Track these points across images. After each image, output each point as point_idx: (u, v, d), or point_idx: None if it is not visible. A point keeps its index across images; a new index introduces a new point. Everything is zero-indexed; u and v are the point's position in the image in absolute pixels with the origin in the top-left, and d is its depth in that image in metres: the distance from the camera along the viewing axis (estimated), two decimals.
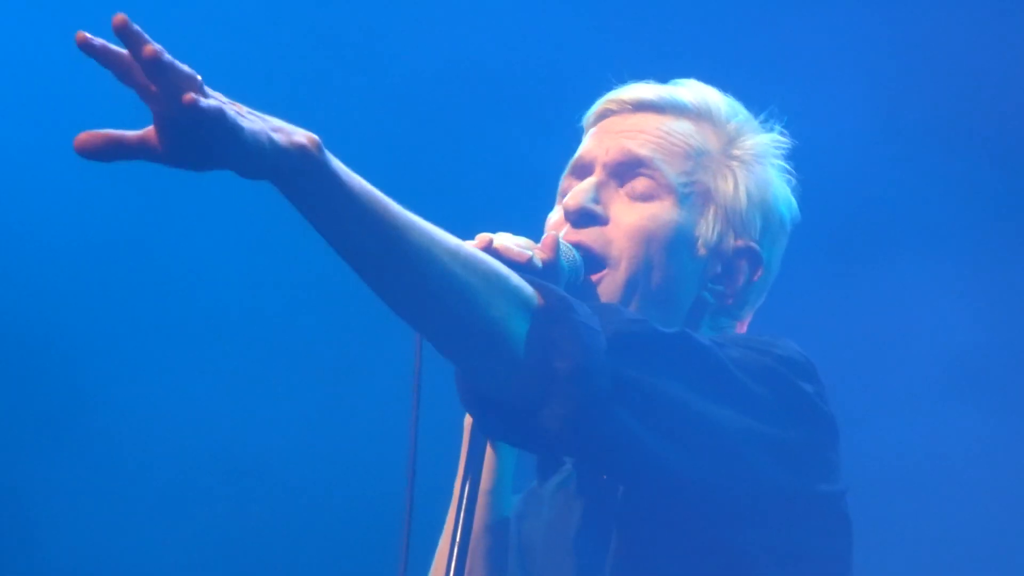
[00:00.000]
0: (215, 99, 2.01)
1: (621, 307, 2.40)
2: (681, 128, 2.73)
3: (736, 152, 2.75)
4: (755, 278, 2.74)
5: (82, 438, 4.79)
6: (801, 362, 2.51)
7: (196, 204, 4.75)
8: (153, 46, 1.97)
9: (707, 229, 2.69)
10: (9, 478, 4.78)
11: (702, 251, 2.69)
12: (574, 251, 2.61)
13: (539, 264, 2.51)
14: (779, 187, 2.78)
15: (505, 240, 2.48)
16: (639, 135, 2.72)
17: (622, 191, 2.69)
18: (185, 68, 2.00)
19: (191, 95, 1.96)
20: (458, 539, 2.37)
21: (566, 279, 2.56)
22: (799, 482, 2.47)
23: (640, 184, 2.69)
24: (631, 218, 2.66)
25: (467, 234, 2.38)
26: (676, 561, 2.46)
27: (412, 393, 2.38)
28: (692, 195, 2.69)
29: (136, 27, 1.97)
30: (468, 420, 2.54)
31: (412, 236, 2.15)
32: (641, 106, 2.76)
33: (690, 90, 2.79)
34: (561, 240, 2.59)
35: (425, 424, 2.39)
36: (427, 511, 2.48)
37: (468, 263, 2.21)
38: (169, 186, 4.50)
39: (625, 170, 2.70)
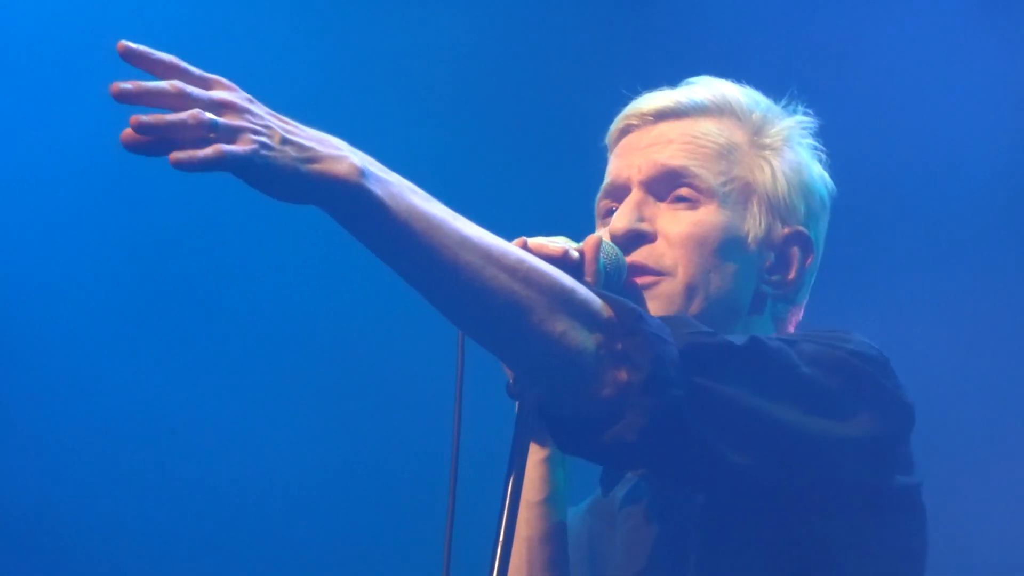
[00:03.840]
0: (221, 140, 1.99)
1: (690, 318, 2.38)
2: (706, 129, 2.70)
3: (765, 141, 2.72)
4: (808, 262, 2.72)
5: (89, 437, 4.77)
6: (874, 355, 2.48)
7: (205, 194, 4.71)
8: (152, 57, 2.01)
9: (754, 223, 2.67)
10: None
11: (753, 246, 2.67)
12: (617, 250, 2.58)
13: (575, 256, 2.48)
14: (814, 167, 2.77)
15: (540, 239, 2.46)
16: (668, 145, 2.69)
17: (664, 205, 2.67)
18: (200, 73, 2.03)
19: (176, 155, 1.97)
20: (501, 538, 2.30)
21: (604, 276, 2.53)
22: (877, 477, 2.45)
23: (681, 193, 2.66)
24: (679, 228, 2.63)
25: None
26: (758, 564, 2.44)
27: (455, 398, 2.36)
28: (733, 193, 2.67)
29: (138, 48, 2.00)
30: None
31: (467, 256, 2.13)
32: (662, 115, 2.72)
33: (706, 88, 2.76)
34: (604, 240, 2.56)
35: (468, 427, 2.37)
36: (469, 523, 2.44)
37: (530, 278, 2.18)
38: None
39: (662, 183, 2.67)
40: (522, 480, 2.34)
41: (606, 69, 4.55)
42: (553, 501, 2.66)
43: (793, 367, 2.37)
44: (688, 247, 2.62)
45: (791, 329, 2.74)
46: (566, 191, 2.79)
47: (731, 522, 2.44)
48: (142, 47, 2.01)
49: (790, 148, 2.73)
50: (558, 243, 2.47)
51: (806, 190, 2.73)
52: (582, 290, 2.24)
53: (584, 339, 2.21)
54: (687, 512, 2.53)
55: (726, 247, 2.64)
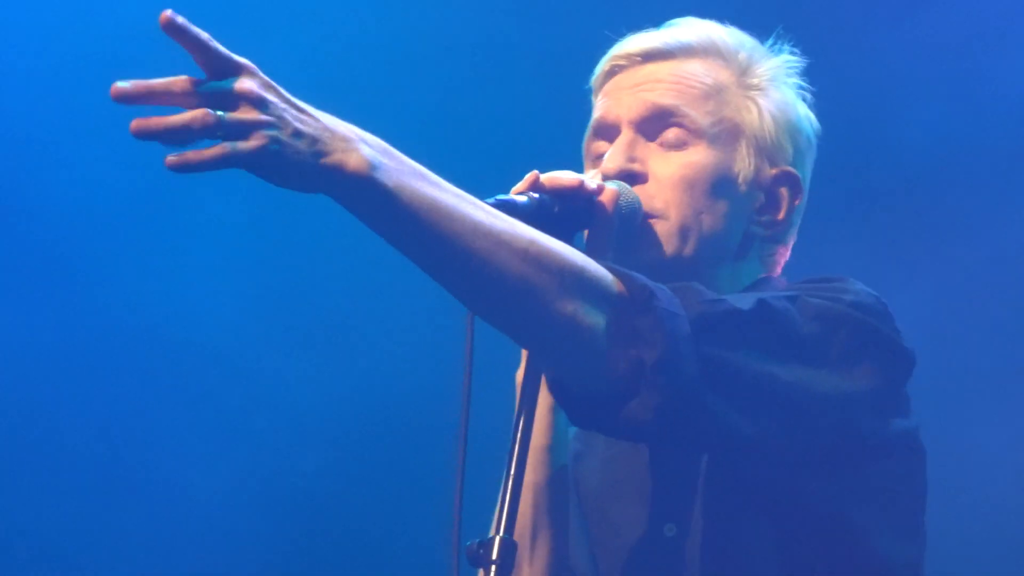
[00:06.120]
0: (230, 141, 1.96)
1: (700, 286, 2.37)
2: (693, 69, 2.71)
3: (752, 81, 2.74)
4: (796, 202, 2.74)
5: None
6: (872, 303, 2.51)
7: None
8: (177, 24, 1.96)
9: (743, 164, 2.68)
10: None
11: (743, 187, 2.68)
12: (633, 193, 2.60)
13: (592, 186, 2.51)
14: (800, 106, 2.78)
15: (553, 173, 2.48)
16: (656, 85, 2.70)
17: (654, 145, 2.68)
18: (225, 53, 1.99)
19: (171, 159, 1.94)
20: (512, 474, 2.32)
21: (619, 218, 2.55)
22: (880, 425, 2.48)
23: (671, 134, 2.67)
24: (670, 169, 2.65)
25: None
26: (765, 514, 2.48)
27: (464, 372, 2.36)
28: (721, 134, 2.68)
29: (181, 21, 1.96)
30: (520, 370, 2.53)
31: (478, 242, 2.13)
32: (650, 56, 2.73)
33: (692, 29, 2.77)
34: (622, 184, 2.59)
35: (476, 396, 2.36)
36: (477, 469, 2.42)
37: (540, 259, 2.17)
38: None
39: (652, 123, 2.69)
40: (532, 422, 2.36)
41: (591, 10, 4.53)
42: (558, 446, 2.67)
43: (797, 327, 2.39)
44: (679, 188, 2.63)
45: (779, 269, 2.76)
46: (554, 135, 2.77)
47: (736, 476, 2.48)
48: (185, 21, 1.97)
49: (776, 88, 2.74)
50: (573, 176, 2.49)
51: (793, 130, 2.74)
52: (593, 267, 2.23)
53: (596, 318, 2.21)
54: (675, 451, 2.56)
55: (716, 188, 2.65)
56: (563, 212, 2.46)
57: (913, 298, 4.40)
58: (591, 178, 2.53)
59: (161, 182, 4.58)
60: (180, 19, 1.96)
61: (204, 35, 1.98)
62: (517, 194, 2.43)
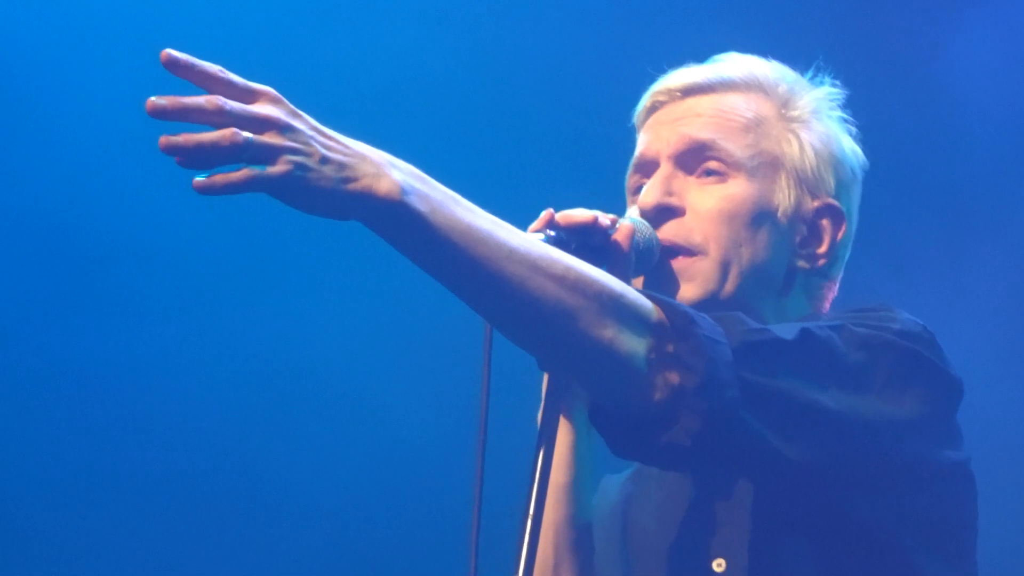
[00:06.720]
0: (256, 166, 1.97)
1: (742, 315, 2.35)
2: (733, 103, 2.70)
3: (793, 114, 2.72)
4: (839, 235, 2.71)
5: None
6: (920, 332, 2.48)
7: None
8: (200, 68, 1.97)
9: (783, 196, 2.66)
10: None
11: (783, 219, 2.66)
12: (650, 229, 2.59)
13: (606, 222, 2.49)
14: (843, 139, 2.75)
15: (568, 211, 2.47)
16: (696, 119, 2.69)
17: (692, 178, 2.67)
18: (245, 84, 1.99)
19: (199, 181, 1.94)
20: (531, 512, 2.30)
21: (636, 254, 2.54)
22: (928, 454, 2.46)
23: (709, 167, 2.66)
24: (708, 203, 2.63)
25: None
26: (812, 543, 2.45)
27: (481, 391, 2.34)
28: (761, 167, 2.66)
29: (183, 58, 1.96)
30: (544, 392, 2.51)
31: (513, 267, 2.12)
32: (690, 91, 2.72)
33: (733, 63, 2.77)
34: (639, 220, 2.58)
35: (495, 420, 2.34)
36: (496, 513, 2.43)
37: (577, 285, 2.16)
38: None
39: (690, 157, 2.67)
40: (551, 456, 2.34)
41: (631, 48, 4.54)
42: (580, 483, 2.66)
43: (843, 355, 2.38)
44: (718, 221, 2.62)
45: (826, 305, 2.74)
46: (596, 171, 2.77)
47: (783, 506, 2.45)
48: (187, 57, 1.97)
49: (818, 120, 2.73)
50: (588, 212, 2.48)
51: (835, 162, 2.72)
52: (632, 294, 2.22)
53: (634, 344, 2.19)
54: (726, 488, 2.54)
55: (756, 220, 2.64)
56: (579, 248, 2.44)
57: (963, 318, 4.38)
58: (604, 218, 2.51)
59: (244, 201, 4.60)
60: (183, 57, 1.96)
61: (213, 68, 1.98)
62: (533, 232, 2.42)
